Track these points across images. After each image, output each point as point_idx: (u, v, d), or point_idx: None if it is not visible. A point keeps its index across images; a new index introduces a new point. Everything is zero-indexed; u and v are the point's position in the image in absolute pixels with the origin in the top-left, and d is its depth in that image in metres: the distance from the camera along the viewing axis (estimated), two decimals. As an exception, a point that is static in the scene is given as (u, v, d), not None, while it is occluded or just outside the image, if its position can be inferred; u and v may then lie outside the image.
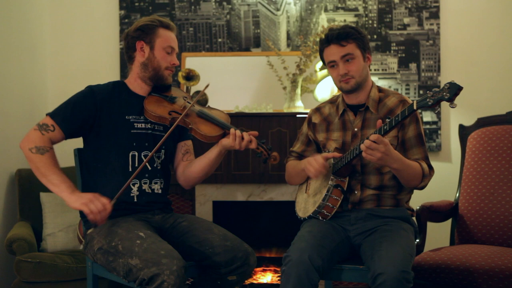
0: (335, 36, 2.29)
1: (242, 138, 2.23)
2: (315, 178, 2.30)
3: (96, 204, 2.04)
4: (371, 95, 2.34)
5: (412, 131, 2.29)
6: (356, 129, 2.33)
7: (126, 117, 2.30)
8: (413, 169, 2.20)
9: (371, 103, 2.32)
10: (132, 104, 2.32)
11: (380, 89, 2.38)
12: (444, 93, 1.90)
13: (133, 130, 2.30)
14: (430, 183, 2.31)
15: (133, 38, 2.32)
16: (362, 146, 2.08)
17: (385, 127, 2.05)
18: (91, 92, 2.28)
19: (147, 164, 2.30)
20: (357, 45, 2.29)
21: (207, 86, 2.38)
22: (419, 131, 2.30)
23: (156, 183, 2.32)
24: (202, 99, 3.31)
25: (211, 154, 2.30)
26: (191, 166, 2.37)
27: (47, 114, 2.25)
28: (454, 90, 1.88)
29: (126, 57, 2.38)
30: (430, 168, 2.29)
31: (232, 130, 2.24)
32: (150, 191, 2.31)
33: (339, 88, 2.37)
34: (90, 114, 2.25)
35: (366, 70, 2.34)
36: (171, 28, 2.35)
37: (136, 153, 2.29)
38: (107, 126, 2.26)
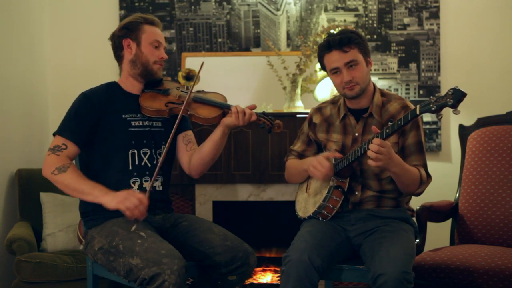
0: (337, 42, 2.22)
1: (244, 114, 2.24)
2: (322, 180, 2.28)
3: (131, 200, 2.05)
4: (374, 100, 2.31)
5: (412, 138, 2.28)
6: (357, 134, 2.32)
7: (123, 116, 2.30)
8: (411, 174, 2.19)
9: (375, 109, 2.30)
10: (127, 103, 2.33)
11: (382, 93, 2.36)
12: (448, 99, 1.87)
13: (130, 129, 2.30)
14: (430, 183, 2.31)
15: (119, 37, 2.33)
16: (370, 153, 2.04)
17: (387, 131, 2.04)
18: (87, 98, 2.28)
19: (147, 161, 2.30)
20: (359, 50, 2.24)
21: (202, 65, 2.35)
22: (419, 138, 2.29)
23: (157, 180, 2.32)
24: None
25: (215, 135, 2.30)
26: (197, 153, 2.37)
27: (54, 134, 2.25)
28: (458, 96, 1.86)
29: (116, 58, 2.39)
30: (428, 175, 2.28)
31: (233, 108, 2.25)
32: (151, 189, 2.30)
33: (343, 95, 2.33)
34: (94, 120, 2.25)
35: (369, 75, 2.31)
36: (155, 23, 2.36)
37: (136, 151, 2.29)
38: (105, 127, 2.27)
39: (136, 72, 2.34)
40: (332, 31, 3.24)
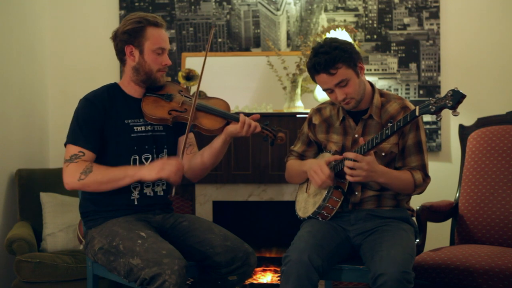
0: (323, 66, 2.18)
1: (249, 126, 2.23)
2: (321, 189, 2.28)
3: (169, 168, 2.11)
4: (374, 101, 2.30)
5: (412, 139, 2.28)
6: (356, 135, 2.31)
7: (126, 121, 2.27)
8: (402, 180, 2.21)
9: (375, 111, 2.30)
10: (129, 107, 2.30)
11: (381, 93, 2.35)
12: (447, 101, 1.88)
13: (133, 134, 2.28)
14: (430, 183, 2.31)
15: (121, 41, 2.26)
16: (346, 169, 2.07)
17: (387, 132, 2.05)
18: (91, 103, 2.24)
19: None
20: (347, 66, 2.19)
21: (212, 30, 2.34)
22: (418, 138, 2.29)
23: (158, 185, 2.32)
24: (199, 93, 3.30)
25: (217, 143, 2.29)
26: (196, 158, 2.35)
27: (66, 144, 2.22)
28: (457, 98, 1.87)
29: (118, 59, 2.34)
30: (426, 176, 2.29)
31: (241, 118, 2.23)
32: (152, 193, 2.30)
33: (341, 107, 2.34)
34: (101, 123, 2.23)
35: (363, 82, 2.28)
36: (159, 25, 2.28)
37: (137, 157, 2.28)
38: (108, 132, 2.24)
39: (139, 79, 2.30)
40: (331, 32, 3.25)
